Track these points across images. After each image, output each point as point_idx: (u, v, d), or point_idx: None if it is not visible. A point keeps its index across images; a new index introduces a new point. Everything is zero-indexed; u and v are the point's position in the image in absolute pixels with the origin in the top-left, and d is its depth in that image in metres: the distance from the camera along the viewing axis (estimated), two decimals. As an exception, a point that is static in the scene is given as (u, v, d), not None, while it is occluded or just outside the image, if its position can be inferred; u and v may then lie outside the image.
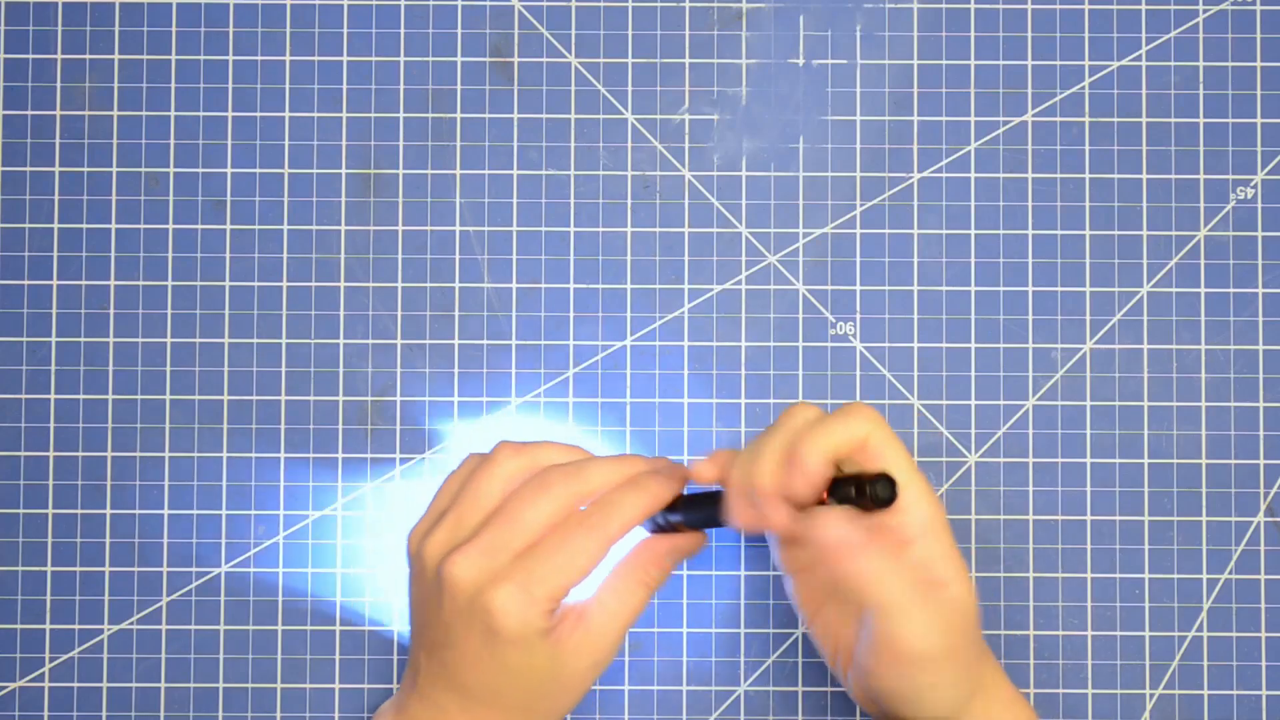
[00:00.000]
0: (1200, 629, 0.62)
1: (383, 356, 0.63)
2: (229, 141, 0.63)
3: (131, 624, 0.62)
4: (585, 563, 0.51)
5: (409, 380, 0.63)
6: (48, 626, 0.62)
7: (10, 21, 0.63)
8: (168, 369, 0.62)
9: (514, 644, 0.50)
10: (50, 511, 0.62)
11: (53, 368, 0.62)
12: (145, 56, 0.63)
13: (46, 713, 0.61)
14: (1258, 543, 0.62)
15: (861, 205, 0.63)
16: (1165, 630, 0.62)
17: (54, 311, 0.63)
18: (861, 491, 0.50)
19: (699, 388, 0.63)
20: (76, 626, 0.62)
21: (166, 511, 0.62)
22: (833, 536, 0.49)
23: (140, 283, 0.63)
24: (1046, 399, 0.62)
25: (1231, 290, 0.63)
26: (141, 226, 0.63)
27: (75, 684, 0.62)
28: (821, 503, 0.51)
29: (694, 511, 0.54)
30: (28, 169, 0.63)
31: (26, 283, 0.63)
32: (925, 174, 0.63)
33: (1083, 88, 0.63)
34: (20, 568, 0.62)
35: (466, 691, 0.52)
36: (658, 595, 0.62)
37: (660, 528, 0.55)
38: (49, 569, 0.62)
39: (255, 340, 0.63)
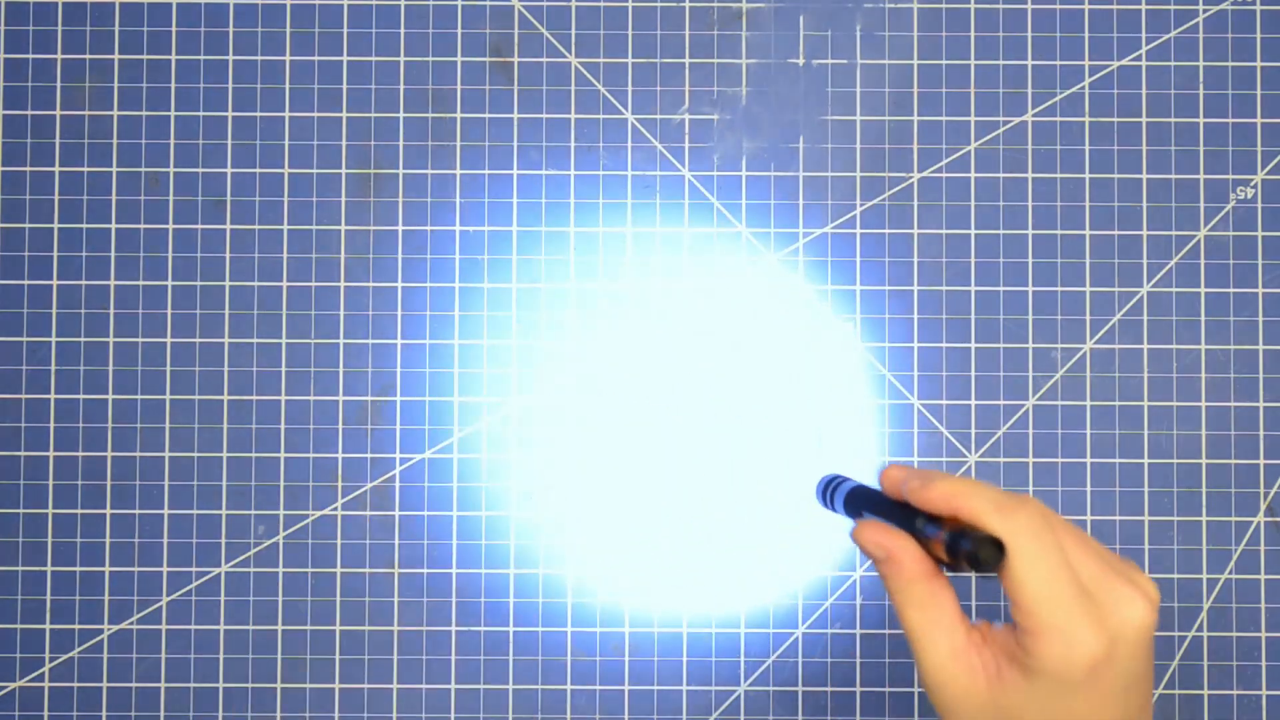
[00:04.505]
0: (1200, 629, 0.62)
1: (383, 356, 0.63)
2: (229, 141, 0.63)
3: (131, 624, 0.62)
4: None
5: (409, 380, 0.63)
6: (48, 626, 0.62)
7: (10, 21, 0.63)
8: (168, 369, 0.62)
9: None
10: (50, 511, 0.62)
11: (53, 368, 0.62)
12: (145, 56, 0.63)
13: (46, 713, 0.61)
14: (1258, 543, 0.62)
15: (861, 205, 0.63)
16: (1165, 630, 0.62)
17: (54, 311, 0.63)
18: (958, 548, 0.43)
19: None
20: (76, 626, 0.62)
21: (166, 511, 0.62)
22: (869, 552, 0.45)
23: (140, 283, 0.63)
24: (1046, 399, 0.62)
25: (1231, 290, 0.63)
26: (141, 226, 0.63)
27: (75, 684, 0.62)
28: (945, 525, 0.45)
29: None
30: (28, 169, 0.63)
31: (26, 283, 0.63)
32: (925, 174, 0.63)
33: (1083, 88, 0.63)
34: (20, 568, 0.62)
35: None
36: (657, 594, 0.62)
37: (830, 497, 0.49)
38: (49, 569, 0.62)
39: (255, 340, 0.63)
